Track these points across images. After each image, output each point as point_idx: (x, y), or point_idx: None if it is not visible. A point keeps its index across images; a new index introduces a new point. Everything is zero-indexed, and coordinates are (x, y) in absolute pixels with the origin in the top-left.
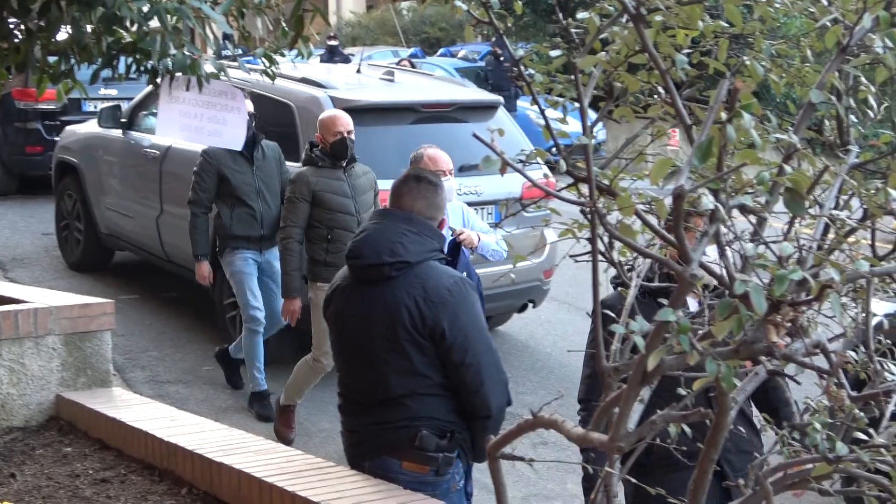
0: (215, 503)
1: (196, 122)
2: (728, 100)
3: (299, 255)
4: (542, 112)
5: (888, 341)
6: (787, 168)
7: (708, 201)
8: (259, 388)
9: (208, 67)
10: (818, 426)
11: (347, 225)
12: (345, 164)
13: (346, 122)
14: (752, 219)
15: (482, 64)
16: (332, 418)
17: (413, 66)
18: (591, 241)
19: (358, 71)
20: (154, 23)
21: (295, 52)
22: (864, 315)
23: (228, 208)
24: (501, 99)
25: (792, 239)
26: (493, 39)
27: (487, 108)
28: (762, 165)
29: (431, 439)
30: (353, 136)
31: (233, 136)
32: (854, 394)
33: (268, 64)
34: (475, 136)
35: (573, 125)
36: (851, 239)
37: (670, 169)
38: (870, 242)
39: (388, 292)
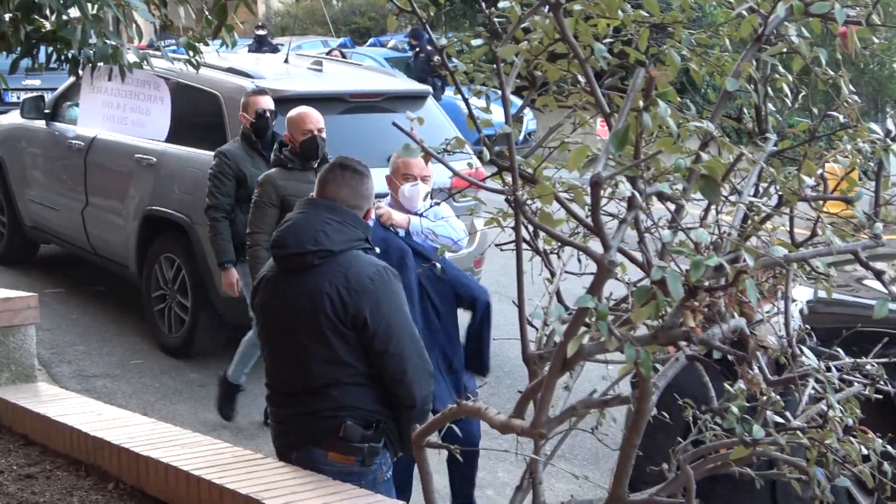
0: (143, 498)
1: (119, 113)
2: (645, 88)
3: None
4: (466, 101)
5: (807, 326)
6: (704, 156)
7: (625, 188)
8: (237, 381)
9: (131, 57)
10: (735, 410)
11: None
12: (316, 165)
13: (315, 119)
14: (671, 206)
15: (412, 54)
16: (262, 410)
17: (343, 56)
18: (515, 229)
19: (286, 61)
20: (74, 11)
21: (220, 41)
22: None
23: (245, 214)
24: (430, 89)
25: (708, 225)
26: (410, 30)
27: (416, 98)
28: (680, 153)
29: (356, 430)
30: (324, 135)
31: (156, 126)
32: (773, 378)
33: (192, 53)
34: (395, 124)
35: (498, 115)
36: (770, 226)
37: (588, 157)
38: (789, 230)
39: (311, 281)
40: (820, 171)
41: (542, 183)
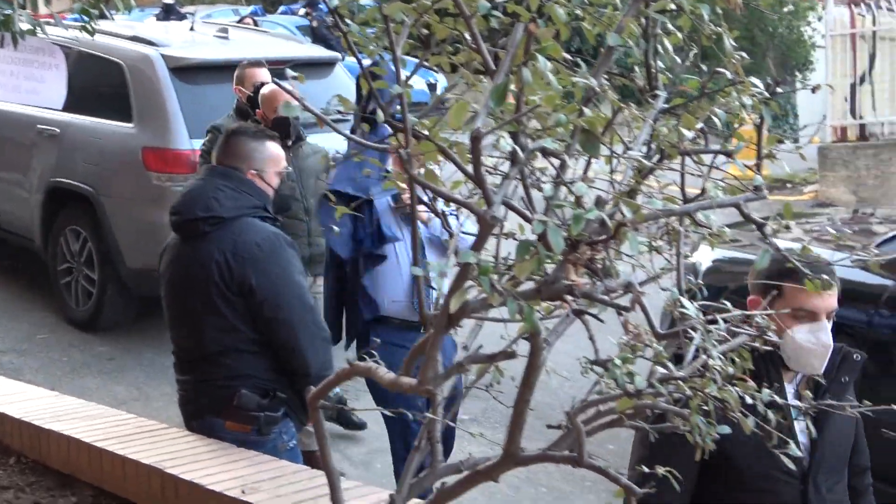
0: (45, 472)
1: (12, 81)
2: (526, 43)
3: None
4: (360, 63)
5: (699, 282)
6: (587, 111)
7: (506, 143)
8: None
9: (23, 24)
10: (618, 362)
11: (294, 212)
12: (290, 144)
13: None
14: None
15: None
16: (173, 381)
17: (255, 24)
18: (410, 189)
19: (191, 28)
20: None
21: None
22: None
23: None
24: (339, 56)
25: (591, 180)
26: None
27: (325, 65)
28: (567, 110)
29: (251, 398)
30: (297, 113)
31: (51, 94)
32: (661, 331)
33: (87, 19)
34: (275, 82)
35: (418, 82)
36: (661, 183)
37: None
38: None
39: (203, 248)
40: (700, 126)
41: (425, 141)
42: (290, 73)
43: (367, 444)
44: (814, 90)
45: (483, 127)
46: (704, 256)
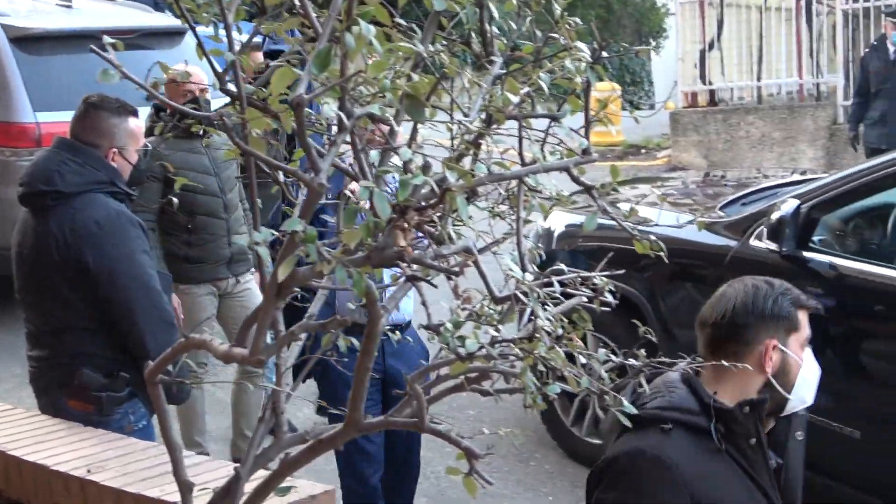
0: None
1: None
2: (349, 7)
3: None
4: (193, 30)
5: (540, 246)
6: (415, 76)
7: (329, 109)
8: None
9: None
10: (449, 326)
11: (212, 209)
12: (202, 133)
13: (199, 78)
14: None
15: None
16: (24, 363)
17: None
18: (246, 160)
19: None
20: None
21: None
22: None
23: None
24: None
25: (420, 145)
26: None
27: (174, 35)
28: (396, 75)
29: (93, 378)
30: (208, 96)
31: None
32: (498, 296)
33: None
34: (92, 49)
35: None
36: (500, 148)
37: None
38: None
39: (46, 223)
40: (526, 90)
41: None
42: (106, 39)
43: (227, 419)
44: (637, 54)
45: (306, 93)
46: (558, 222)
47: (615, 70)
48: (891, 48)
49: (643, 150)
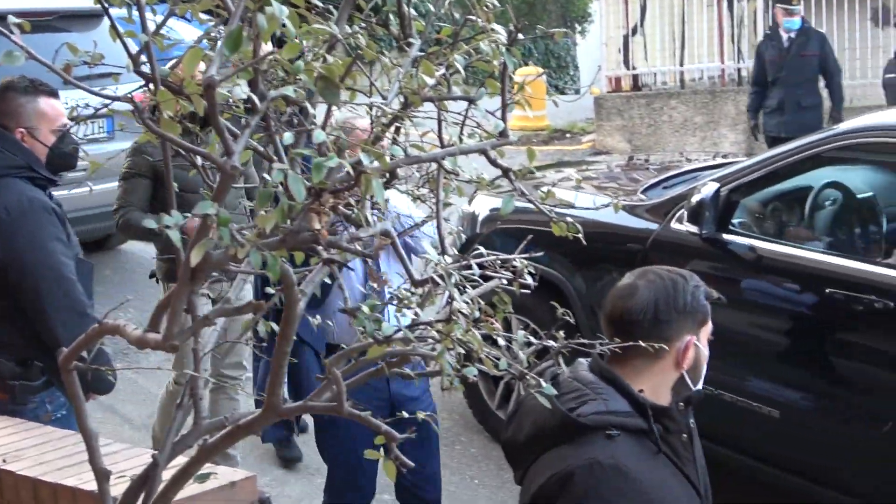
0: None
1: None
2: None
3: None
4: (106, 11)
5: (461, 228)
6: (331, 58)
7: (241, 91)
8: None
9: None
10: (365, 309)
11: None
12: (199, 129)
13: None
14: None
15: None
16: None
17: None
18: (163, 144)
19: None
20: None
21: None
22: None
23: None
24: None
25: (336, 127)
26: None
27: (91, 17)
28: (316, 57)
29: (6, 366)
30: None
31: None
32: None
33: None
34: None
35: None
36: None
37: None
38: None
39: None
40: (441, 72)
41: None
42: (11, 19)
43: (150, 407)
44: (553, 37)
45: (217, 75)
46: (482, 205)
47: (541, 55)
48: (784, 36)
49: (568, 135)
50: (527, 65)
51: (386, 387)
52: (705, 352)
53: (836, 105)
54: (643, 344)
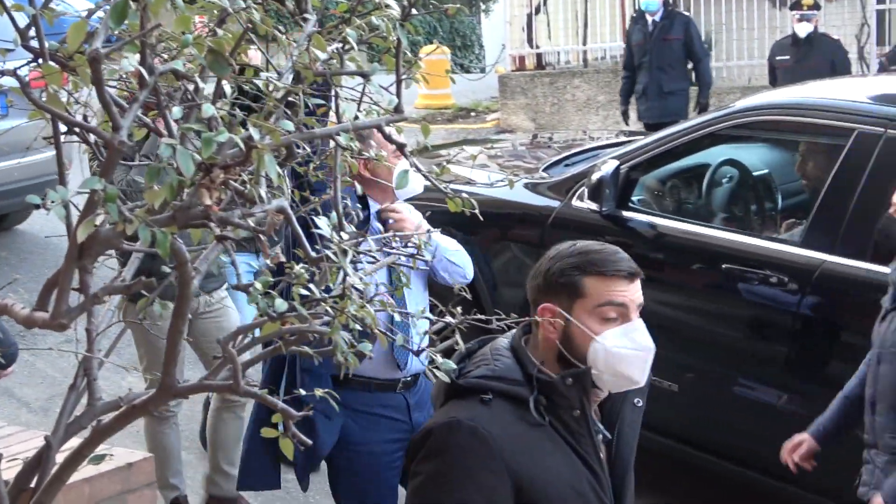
0: None
1: None
2: None
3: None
4: None
5: (358, 206)
6: (220, 32)
7: (128, 63)
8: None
9: None
10: (258, 285)
11: None
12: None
13: None
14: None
15: None
16: None
17: None
18: (53, 121)
19: None
20: None
21: None
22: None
23: None
24: None
25: (226, 101)
26: None
27: None
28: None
29: None
30: None
31: None
32: (315, 254)
33: None
34: None
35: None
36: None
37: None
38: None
39: None
40: (334, 47)
41: (50, 65)
42: None
43: (48, 390)
44: (447, 12)
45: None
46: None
47: (446, 33)
48: (649, 19)
49: (473, 113)
50: (432, 43)
51: (408, 419)
52: (585, 329)
53: (703, 91)
54: (512, 319)
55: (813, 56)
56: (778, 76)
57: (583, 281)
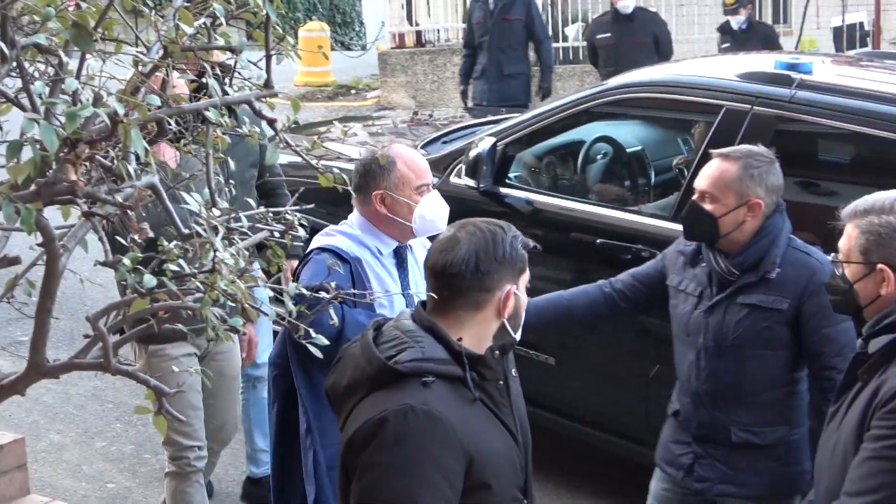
0: None
1: None
2: None
3: None
4: None
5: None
6: (84, 5)
7: None
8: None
9: None
10: (127, 262)
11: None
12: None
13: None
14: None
15: None
16: None
17: None
18: None
19: None
20: None
21: None
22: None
23: None
24: None
25: (92, 78)
26: None
27: None
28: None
29: None
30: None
31: None
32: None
33: None
34: None
35: None
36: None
37: None
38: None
39: None
40: (202, 22)
41: None
42: None
43: None
44: None
45: None
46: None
47: (325, 10)
48: None
49: (353, 91)
50: (311, 20)
51: None
52: (524, 299)
53: (545, 73)
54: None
55: (637, 32)
56: (600, 55)
57: (525, 257)
